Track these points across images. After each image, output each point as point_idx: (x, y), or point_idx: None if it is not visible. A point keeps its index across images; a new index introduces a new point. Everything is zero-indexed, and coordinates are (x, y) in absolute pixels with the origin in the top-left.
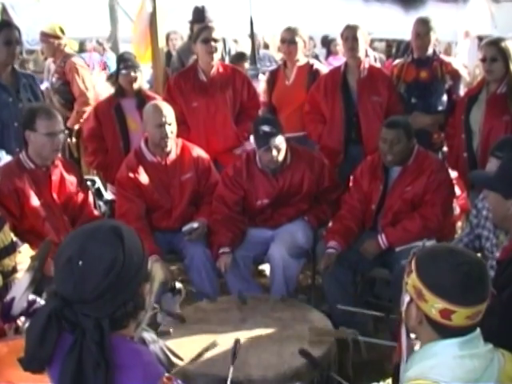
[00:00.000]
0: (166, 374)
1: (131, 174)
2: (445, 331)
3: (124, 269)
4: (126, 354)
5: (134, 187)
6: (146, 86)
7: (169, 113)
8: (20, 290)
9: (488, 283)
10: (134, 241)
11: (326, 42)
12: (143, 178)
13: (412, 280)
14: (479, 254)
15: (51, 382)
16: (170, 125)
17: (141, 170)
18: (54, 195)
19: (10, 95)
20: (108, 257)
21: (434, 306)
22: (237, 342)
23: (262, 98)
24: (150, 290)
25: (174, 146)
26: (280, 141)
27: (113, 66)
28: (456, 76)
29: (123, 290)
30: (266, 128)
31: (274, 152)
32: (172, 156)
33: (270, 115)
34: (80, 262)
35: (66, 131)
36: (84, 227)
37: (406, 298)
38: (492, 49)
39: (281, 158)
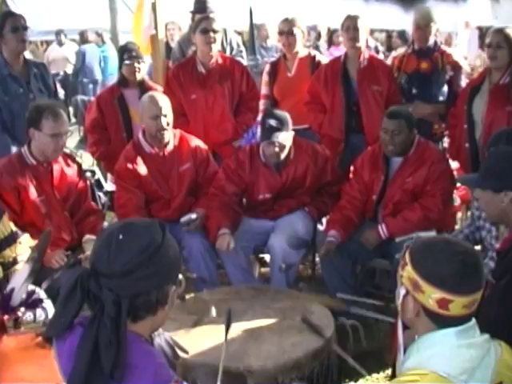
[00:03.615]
0: (175, 378)
1: (130, 165)
2: (442, 321)
3: (158, 254)
4: (139, 353)
5: (133, 178)
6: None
7: (165, 104)
8: (19, 281)
9: (483, 272)
10: (174, 242)
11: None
12: (142, 169)
13: (407, 272)
14: (479, 246)
15: (59, 368)
16: (165, 116)
17: (139, 161)
18: (55, 191)
19: (21, 86)
20: (147, 237)
21: (431, 296)
22: (229, 311)
23: (264, 90)
24: (175, 293)
25: (171, 137)
26: (284, 137)
27: (111, 58)
28: (457, 67)
29: (151, 275)
30: (272, 122)
31: (277, 148)
32: (170, 147)
33: (280, 110)
34: (120, 236)
35: None
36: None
37: (402, 291)
38: (498, 35)
39: (283, 155)
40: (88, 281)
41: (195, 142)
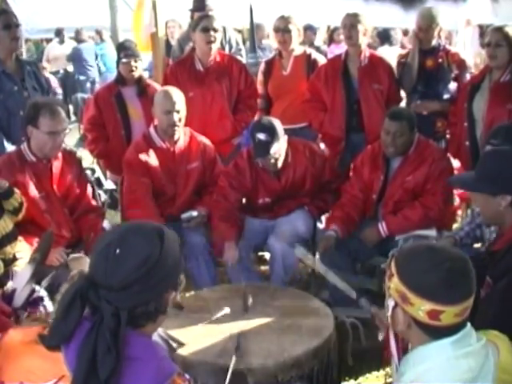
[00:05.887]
0: (178, 370)
1: (141, 156)
2: (435, 332)
3: (156, 268)
4: (141, 347)
5: (142, 168)
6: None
7: (178, 100)
8: (21, 283)
9: (472, 276)
10: (174, 247)
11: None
12: (152, 160)
13: (394, 284)
14: (480, 243)
15: (67, 367)
16: (178, 112)
17: (151, 153)
18: (55, 187)
19: (16, 84)
20: (144, 252)
21: (421, 308)
22: (239, 334)
23: (259, 89)
24: (174, 298)
25: (182, 134)
26: (276, 149)
27: (110, 56)
28: (462, 65)
29: (149, 288)
30: (261, 136)
31: (272, 160)
32: (180, 144)
33: (267, 121)
34: (117, 250)
35: None
36: (131, 222)
37: (391, 303)
38: (497, 34)
39: (280, 163)
40: (87, 291)
41: (204, 141)
